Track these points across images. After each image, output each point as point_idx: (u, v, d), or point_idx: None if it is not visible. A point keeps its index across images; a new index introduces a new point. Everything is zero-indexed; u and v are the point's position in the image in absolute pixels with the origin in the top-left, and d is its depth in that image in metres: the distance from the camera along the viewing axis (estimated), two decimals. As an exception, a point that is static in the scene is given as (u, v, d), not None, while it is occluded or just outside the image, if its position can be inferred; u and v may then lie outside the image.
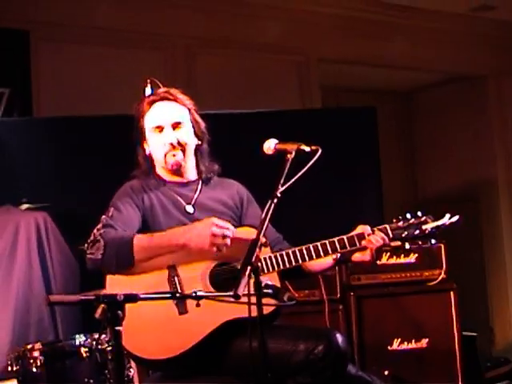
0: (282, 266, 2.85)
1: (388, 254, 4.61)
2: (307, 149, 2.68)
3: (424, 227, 2.92)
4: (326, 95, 6.70)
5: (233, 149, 4.35)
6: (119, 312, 2.18)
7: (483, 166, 7.50)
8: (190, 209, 3.02)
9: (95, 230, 2.86)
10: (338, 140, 5.04)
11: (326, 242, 2.89)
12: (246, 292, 2.24)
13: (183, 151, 3.02)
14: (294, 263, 2.86)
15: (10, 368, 3.54)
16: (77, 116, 4.97)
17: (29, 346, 3.54)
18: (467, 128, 7.52)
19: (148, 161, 3.09)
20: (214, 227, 2.77)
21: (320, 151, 2.66)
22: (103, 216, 2.92)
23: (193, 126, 3.09)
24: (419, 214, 2.96)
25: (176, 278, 2.83)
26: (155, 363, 2.84)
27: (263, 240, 2.37)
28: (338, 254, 2.98)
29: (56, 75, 5.32)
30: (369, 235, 2.89)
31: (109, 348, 3.48)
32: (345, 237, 2.90)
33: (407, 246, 2.99)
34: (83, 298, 2.22)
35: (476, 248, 7.34)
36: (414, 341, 4.58)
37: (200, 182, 3.11)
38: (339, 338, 2.73)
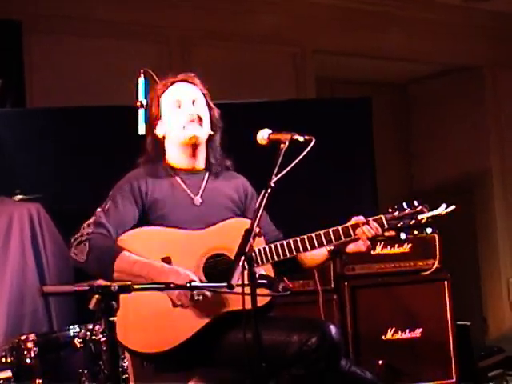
0: (276, 258, 2.84)
1: (382, 243, 4.62)
2: (301, 138, 2.67)
3: (420, 217, 2.91)
4: (321, 87, 6.69)
5: (227, 139, 4.35)
6: (113, 303, 2.18)
7: (478, 157, 7.51)
8: (197, 201, 2.98)
9: (85, 226, 2.84)
10: (333, 130, 5.04)
11: (321, 232, 2.88)
12: (240, 282, 2.24)
13: (199, 128, 2.99)
14: (288, 254, 2.85)
15: (4, 359, 3.55)
16: (71, 107, 4.95)
17: (23, 337, 3.54)
18: (463, 119, 7.52)
19: (158, 147, 3.05)
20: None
21: (314, 141, 2.65)
22: (98, 209, 2.89)
23: (209, 112, 3.08)
24: (415, 203, 2.94)
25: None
26: (149, 356, 2.83)
27: (257, 230, 2.37)
28: (333, 246, 2.96)
29: (49, 66, 5.31)
30: (363, 224, 2.88)
31: (103, 339, 3.49)
32: (339, 227, 2.89)
33: (402, 235, 2.97)
34: (77, 288, 2.22)
35: (470, 238, 7.35)
36: (407, 330, 4.59)
37: (207, 172, 3.07)
38: (333, 329, 2.73)
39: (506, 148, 7.48)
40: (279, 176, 2.54)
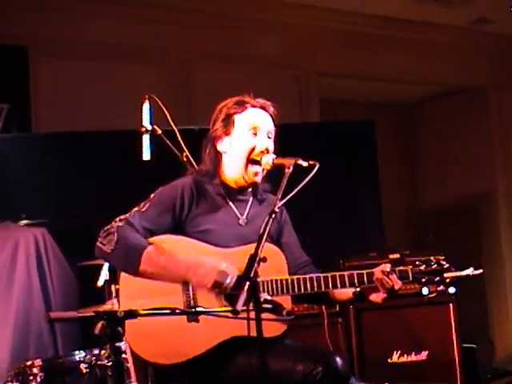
0: (296, 291, 2.83)
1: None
2: (305, 164, 2.68)
3: (446, 275, 2.89)
4: (324, 109, 6.72)
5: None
6: (119, 328, 2.18)
7: (484, 177, 7.52)
8: (243, 221, 2.99)
9: (117, 220, 2.82)
10: (337, 153, 5.06)
11: (345, 274, 2.86)
12: (245, 308, 2.24)
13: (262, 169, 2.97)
14: (309, 290, 2.84)
15: (10, 384, 3.54)
16: (76, 131, 4.98)
17: (28, 363, 3.53)
18: (467, 140, 7.54)
19: (216, 161, 3.01)
20: (219, 276, 2.72)
21: (317, 166, 2.67)
22: (135, 208, 2.86)
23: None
24: (443, 262, 2.92)
25: (190, 288, 2.80)
26: (157, 366, 2.83)
27: (261, 255, 2.37)
28: (358, 289, 2.96)
29: (55, 91, 5.35)
30: (387, 274, 2.85)
31: (109, 364, 3.48)
32: (365, 272, 2.88)
33: (425, 291, 2.95)
34: (83, 314, 2.22)
35: (475, 259, 7.32)
36: (413, 353, 4.57)
37: (252, 196, 3.07)
38: (339, 361, 2.71)
39: (511, 167, 7.49)
40: (283, 201, 2.55)
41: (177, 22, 5.82)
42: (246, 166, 2.94)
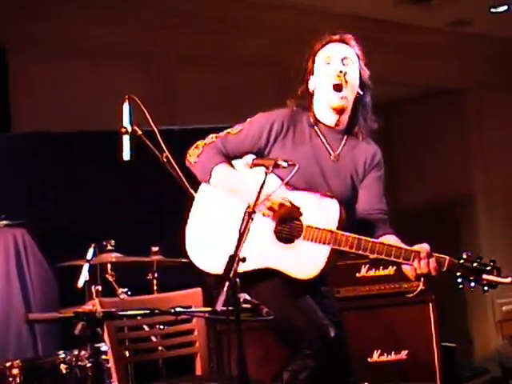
0: (337, 246, 2.86)
1: (367, 266, 4.64)
2: (284, 164, 2.70)
3: (484, 277, 2.82)
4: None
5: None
6: (98, 329, 2.18)
7: (462, 177, 7.57)
8: (334, 157, 3.07)
9: (209, 136, 3.11)
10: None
11: (385, 245, 2.86)
12: (224, 308, 2.25)
13: (346, 90, 3.04)
14: (347, 249, 2.87)
15: (-12, 385, 3.52)
16: (56, 132, 4.96)
17: (8, 364, 3.51)
18: (446, 141, 7.59)
19: (308, 98, 3.13)
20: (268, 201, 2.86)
21: (297, 167, 2.70)
22: (228, 130, 3.12)
23: (359, 71, 3.13)
24: (489, 261, 2.86)
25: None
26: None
27: (241, 256, 2.38)
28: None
29: (34, 90, 5.31)
30: (424, 258, 2.84)
31: (89, 364, 3.48)
32: (403, 248, 2.87)
33: (460, 284, 2.86)
34: (62, 315, 2.22)
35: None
36: (393, 352, 4.59)
37: (348, 132, 3.12)
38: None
39: (490, 168, 7.56)
40: (261, 201, 2.61)
41: (159, 24, 5.80)
42: (329, 93, 3.03)
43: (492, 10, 6.62)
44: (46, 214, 4.57)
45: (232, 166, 3.07)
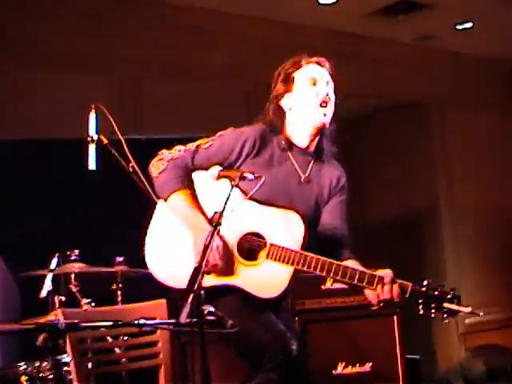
0: (301, 267, 2.86)
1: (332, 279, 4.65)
2: (250, 176, 2.71)
3: (445, 305, 2.81)
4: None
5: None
6: (60, 341, 2.16)
7: (426, 190, 7.64)
8: (304, 180, 3.08)
9: (177, 151, 3.04)
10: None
11: (349, 268, 2.86)
12: (188, 320, 2.24)
13: (329, 110, 3.06)
14: (311, 270, 2.85)
15: None
16: (20, 139, 4.92)
17: (-32, 375, 3.48)
18: (411, 154, 7.65)
19: (280, 117, 3.11)
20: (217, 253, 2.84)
21: (263, 178, 2.70)
22: (198, 142, 3.06)
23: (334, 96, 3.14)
24: (449, 289, 2.85)
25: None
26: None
27: (205, 268, 2.38)
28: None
29: (1, 99, 5.26)
30: (388, 283, 2.84)
31: (50, 376, 3.44)
32: (367, 273, 2.87)
33: (421, 311, 2.84)
34: (23, 326, 2.19)
35: (418, 272, 7.44)
36: (358, 365, 4.61)
37: (313, 156, 3.13)
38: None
39: (453, 182, 7.64)
40: (224, 213, 2.58)
41: (126, 33, 5.79)
42: (315, 111, 3.04)
43: (458, 26, 6.72)
44: (8, 222, 4.52)
45: (192, 191, 3.01)
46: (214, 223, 2.53)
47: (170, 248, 3.01)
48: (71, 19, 5.54)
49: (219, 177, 2.83)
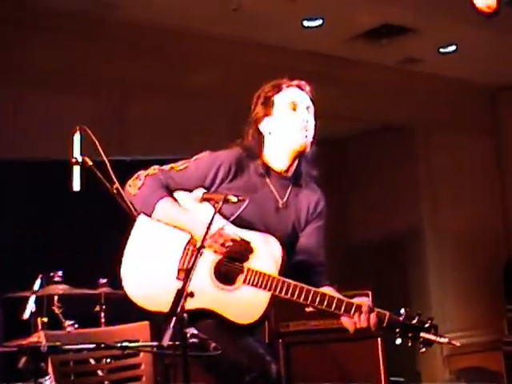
0: (278, 293, 2.83)
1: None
2: (234, 199, 2.71)
3: (422, 335, 2.82)
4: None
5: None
6: (42, 363, 2.15)
7: (410, 213, 7.68)
8: (282, 205, 3.04)
9: (155, 167, 3.01)
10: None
11: (327, 295, 2.86)
12: (171, 342, 2.23)
13: (309, 136, 3.04)
14: (288, 296, 2.84)
15: None
16: (2, 159, 4.90)
17: None
18: (396, 176, 7.70)
19: (258, 141, 3.08)
20: (221, 237, 2.82)
21: (247, 202, 2.71)
22: (173, 164, 3.02)
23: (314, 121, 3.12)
24: (426, 318, 2.86)
25: (189, 254, 2.88)
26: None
27: (189, 291, 2.37)
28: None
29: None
30: (365, 312, 2.83)
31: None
32: (345, 301, 2.85)
33: (398, 341, 2.85)
34: (5, 348, 2.18)
35: (402, 293, 7.46)
36: (342, 387, 4.61)
37: (291, 181, 3.09)
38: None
39: (437, 204, 7.68)
40: (209, 235, 2.60)
41: (112, 53, 5.81)
42: (294, 136, 3.01)
43: (441, 49, 6.79)
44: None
45: (175, 199, 3.00)
46: (198, 246, 2.52)
47: (148, 270, 2.95)
48: (58, 37, 5.56)
49: (203, 199, 2.82)
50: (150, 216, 2.96)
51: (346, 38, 6.45)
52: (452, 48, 6.77)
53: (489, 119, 8.27)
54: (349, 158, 8.19)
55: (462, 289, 7.63)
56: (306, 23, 6.07)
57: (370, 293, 4.70)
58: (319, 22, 6.05)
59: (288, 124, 3.04)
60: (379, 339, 4.68)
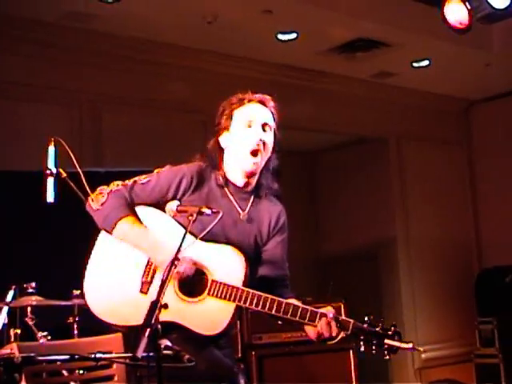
0: (243, 304, 2.84)
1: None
2: (208, 211, 2.73)
3: (386, 341, 2.82)
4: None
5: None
6: (16, 374, 2.15)
7: (383, 225, 7.73)
8: (244, 216, 3.03)
9: (115, 183, 3.00)
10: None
11: (292, 304, 2.86)
12: (145, 354, 2.24)
13: (261, 157, 3.01)
14: (253, 306, 2.84)
15: None
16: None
17: None
18: (368, 188, 7.76)
19: (218, 154, 3.07)
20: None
21: (221, 214, 2.72)
22: (136, 178, 3.02)
23: (274, 136, 3.10)
24: (391, 328, 2.85)
25: (152, 267, 2.89)
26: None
27: (163, 302, 2.38)
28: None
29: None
30: (328, 320, 2.85)
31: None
32: (309, 309, 2.87)
33: (362, 348, 2.85)
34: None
35: (375, 304, 7.50)
36: (314, 399, 4.62)
37: (254, 192, 3.09)
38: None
39: (409, 216, 7.75)
40: (184, 248, 2.60)
41: (85, 64, 5.80)
42: (245, 158, 2.99)
43: (414, 64, 6.87)
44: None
45: (137, 217, 2.97)
46: (173, 259, 2.53)
47: (110, 284, 2.94)
48: (31, 48, 5.55)
49: (178, 211, 2.83)
50: (110, 233, 2.95)
51: (321, 51, 6.50)
52: (425, 63, 6.86)
53: (461, 132, 8.37)
54: (322, 170, 8.23)
55: (435, 301, 7.68)
56: (280, 36, 6.11)
57: (342, 305, 4.74)
58: (294, 35, 6.10)
59: (239, 144, 3.02)
60: (351, 351, 4.71)
